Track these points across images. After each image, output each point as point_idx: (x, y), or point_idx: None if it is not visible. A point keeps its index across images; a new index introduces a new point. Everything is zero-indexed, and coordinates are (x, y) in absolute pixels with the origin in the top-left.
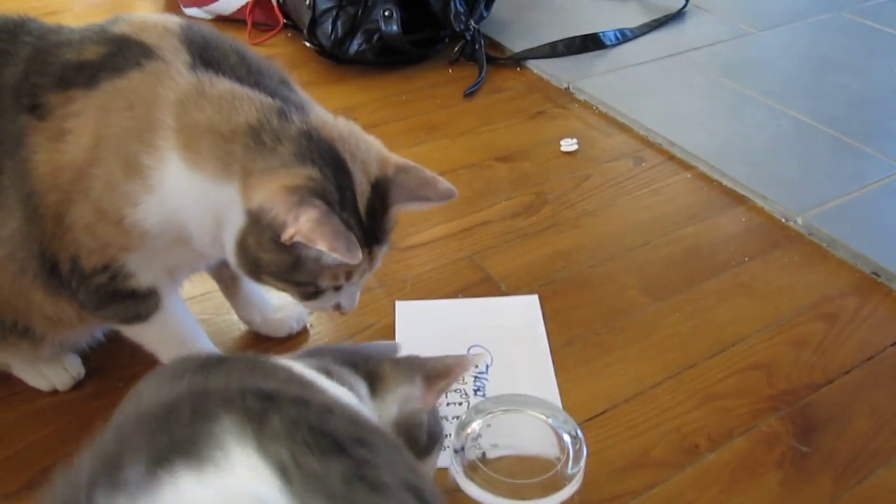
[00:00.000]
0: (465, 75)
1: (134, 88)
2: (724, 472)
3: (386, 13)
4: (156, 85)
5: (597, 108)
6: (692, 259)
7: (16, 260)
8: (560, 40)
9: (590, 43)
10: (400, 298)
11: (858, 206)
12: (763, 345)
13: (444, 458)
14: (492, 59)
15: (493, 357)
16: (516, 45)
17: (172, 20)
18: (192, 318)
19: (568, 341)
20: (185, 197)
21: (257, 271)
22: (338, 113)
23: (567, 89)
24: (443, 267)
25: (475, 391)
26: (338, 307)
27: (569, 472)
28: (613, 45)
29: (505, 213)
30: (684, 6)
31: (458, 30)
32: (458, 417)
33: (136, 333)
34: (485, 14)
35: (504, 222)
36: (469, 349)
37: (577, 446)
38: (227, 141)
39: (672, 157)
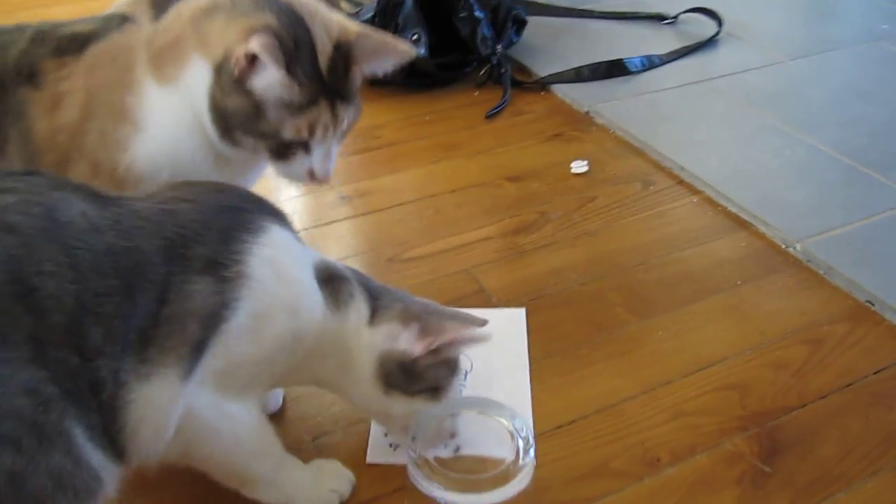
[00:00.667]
0: (490, 98)
1: (114, 45)
2: (682, 486)
3: (414, 37)
4: (129, 38)
5: (613, 132)
6: (684, 281)
7: None
8: (586, 65)
9: (615, 69)
10: None
11: (861, 235)
12: (742, 366)
13: (403, 455)
14: (517, 82)
15: (472, 364)
16: (544, 69)
17: None
18: None
19: (548, 353)
20: (167, 117)
21: (228, 129)
22: (365, 131)
23: (587, 113)
24: (439, 279)
25: None
26: (311, 175)
27: (516, 470)
28: (639, 71)
29: (506, 230)
30: (716, 34)
31: (484, 54)
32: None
33: None
34: (514, 39)
35: (504, 239)
36: None
37: (526, 446)
38: (180, 39)
39: (681, 182)
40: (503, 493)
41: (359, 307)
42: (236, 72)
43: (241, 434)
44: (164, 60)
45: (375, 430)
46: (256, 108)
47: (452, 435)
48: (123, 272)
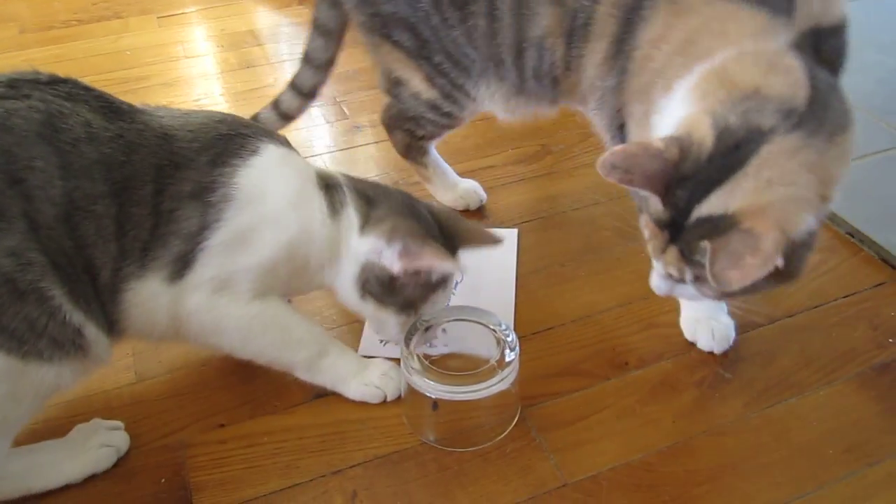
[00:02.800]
0: None
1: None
2: (645, 387)
3: None
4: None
5: None
6: None
7: None
8: None
9: None
10: None
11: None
12: None
13: (397, 352)
14: None
15: (463, 275)
16: None
17: None
18: None
19: (535, 269)
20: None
21: None
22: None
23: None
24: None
25: None
26: None
27: (499, 370)
28: None
29: (509, 160)
30: None
31: None
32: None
33: None
34: None
35: (506, 168)
36: None
37: (511, 347)
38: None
39: None
40: (488, 387)
41: (349, 214)
42: None
43: (254, 329)
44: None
45: (368, 327)
46: None
47: (442, 337)
48: (114, 182)
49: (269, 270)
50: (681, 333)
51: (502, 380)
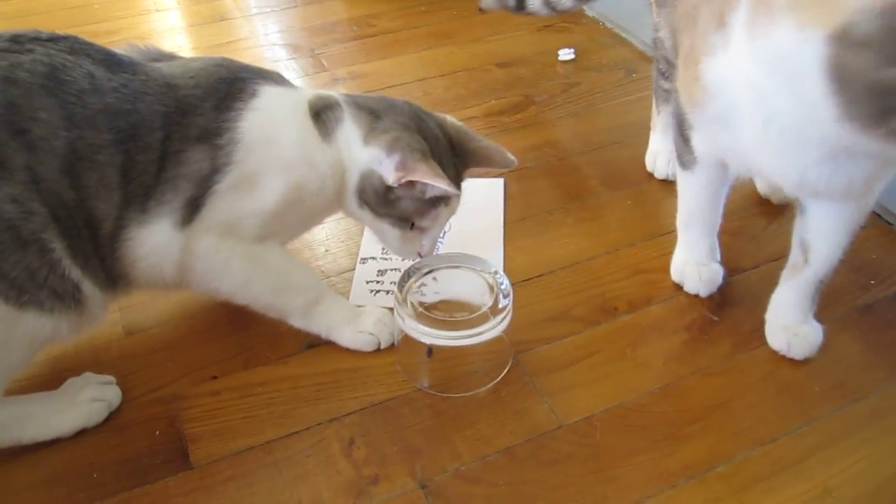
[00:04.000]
0: None
1: None
2: (635, 331)
3: None
4: None
5: (603, 23)
6: None
7: None
8: None
9: None
10: None
11: None
12: None
13: (390, 301)
14: None
15: (451, 224)
16: None
17: None
18: None
19: (522, 217)
20: (749, 66)
21: (886, 111)
22: (361, 19)
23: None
24: None
25: None
26: None
27: (493, 316)
28: None
29: (492, 110)
30: None
31: None
32: None
33: None
34: None
35: (490, 118)
36: None
37: (504, 294)
38: None
39: None
40: (482, 333)
41: (347, 128)
42: None
43: (256, 273)
44: (760, 6)
45: (358, 278)
46: None
47: (434, 285)
48: (119, 130)
49: (276, 213)
50: (668, 279)
51: (496, 326)
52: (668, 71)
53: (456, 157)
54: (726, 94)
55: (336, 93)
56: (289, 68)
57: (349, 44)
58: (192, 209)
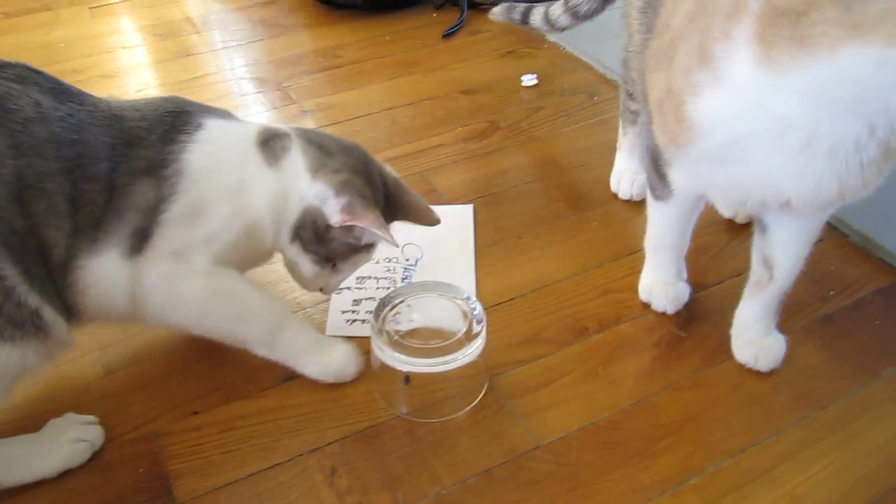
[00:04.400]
0: (448, 19)
1: None
2: (606, 350)
3: None
4: None
5: (563, 48)
6: None
7: None
8: None
9: None
10: None
11: None
12: None
13: (366, 330)
14: (474, 3)
15: (423, 252)
16: None
17: None
18: None
19: (492, 242)
20: (755, 98)
21: None
22: (326, 50)
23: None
24: None
25: (403, 279)
26: None
27: (468, 342)
28: None
29: (459, 137)
30: None
31: None
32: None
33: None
34: None
35: (457, 145)
36: (404, 246)
37: (478, 320)
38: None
39: None
40: (457, 359)
41: (295, 158)
42: None
43: (210, 302)
44: (778, 38)
45: (334, 308)
46: None
47: (410, 313)
48: (66, 159)
49: (226, 240)
50: (636, 298)
51: (471, 351)
52: (635, 93)
53: (387, 208)
54: (726, 132)
55: (288, 126)
56: (256, 101)
57: (316, 75)
58: (140, 239)
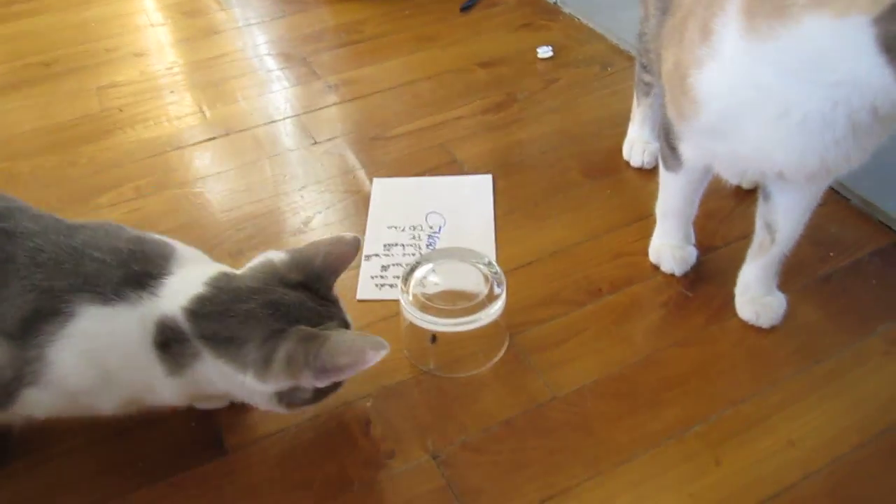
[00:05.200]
0: None
1: None
2: (618, 309)
3: None
4: None
5: (578, 19)
6: None
7: None
8: None
9: None
10: (378, 176)
11: None
12: None
13: (395, 294)
14: None
15: (446, 220)
16: None
17: None
18: None
19: (510, 210)
20: (745, 68)
21: None
22: (348, 26)
23: (555, 3)
24: (417, 152)
25: (427, 246)
26: None
27: (489, 303)
28: None
29: (477, 109)
30: None
31: None
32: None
33: None
34: None
35: (475, 117)
36: (427, 215)
37: (498, 283)
38: None
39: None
40: (480, 319)
41: (212, 366)
42: None
43: None
44: (760, 10)
45: (364, 273)
46: None
47: (435, 276)
48: None
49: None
50: (646, 261)
51: (492, 311)
52: (649, 65)
53: (318, 287)
54: (721, 103)
55: (180, 313)
56: (281, 78)
57: (338, 50)
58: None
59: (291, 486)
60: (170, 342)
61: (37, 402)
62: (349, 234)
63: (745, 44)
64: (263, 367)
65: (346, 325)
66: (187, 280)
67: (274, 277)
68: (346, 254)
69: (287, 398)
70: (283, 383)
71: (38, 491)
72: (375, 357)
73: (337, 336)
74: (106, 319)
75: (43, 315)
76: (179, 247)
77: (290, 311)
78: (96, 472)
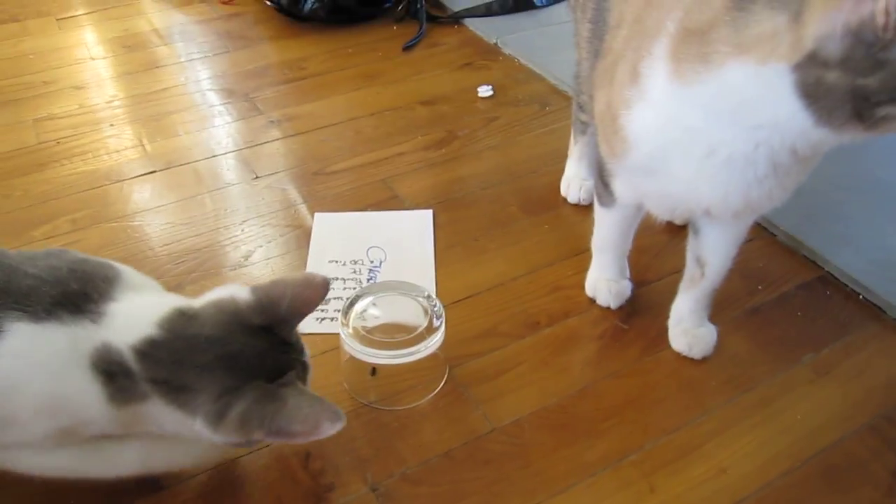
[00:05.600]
0: (408, 32)
1: None
2: (556, 342)
3: None
4: None
5: (518, 60)
6: None
7: None
8: (496, 0)
9: (522, 4)
10: (319, 211)
11: None
12: None
13: (336, 327)
14: (433, 17)
15: (387, 254)
16: (457, 4)
17: None
18: None
19: (451, 244)
20: (674, 112)
21: (857, 110)
22: (291, 62)
23: (495, 44)
24: (359, 188)
25: (368, 279)
26: None
27: (428, 335)
28: (544, 6)
29: (419, 146)
30: None
31: None
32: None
33: None
34: None
35: (416, 153)
36: (368, 249)
37: (437, 315)
38: (710, 35)
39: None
40: (419, 351)
41: (160, 409)
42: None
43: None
44: (686, 55)
45: None
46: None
47: (375, 310)
48: None
49: (55, 439)
50: (582, 294)
51: (431, 344)
52: (585, 104)
53: (280, 330)
54: (650, 143)
55: (128, 351)
56: (223, 113)
57: (281, 87)
58: None
59: None
60: (114, 374)
61: None
62: (319, 276)
63: (672, 87)
64: (216, 420)
65: (305, 370)
66: (136, 314)
67: (235, 321)
68: (313, 298)
69: (235, 443)
70: (234, 438)
71: None
72: (331, 429)
73: (294, 401)
74: (35, 337)
75: None
76: (126, 271)
77: (249, 365)
78: None
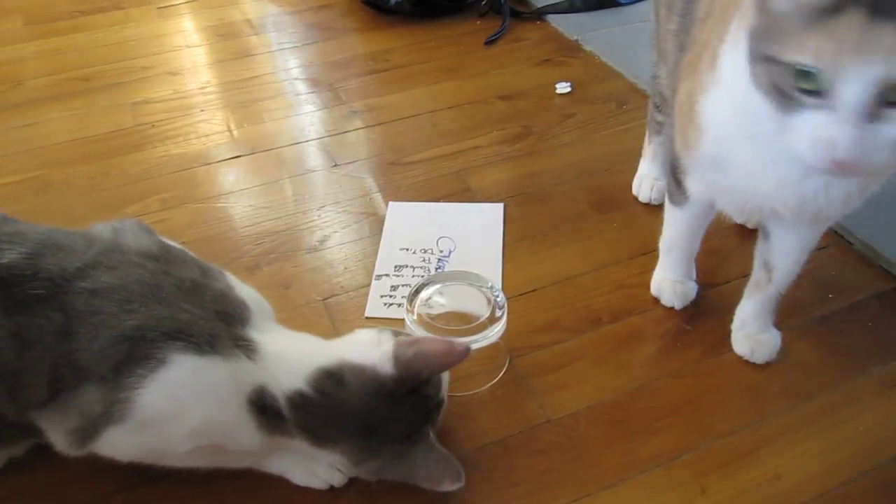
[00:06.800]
0: (490, 27)
1: None
2: (617, 339)
3: None
4: None
5: (598, 57)
6: None
7: None
8: None
9: (605, 1)
10: (393, 200)
11: None
12: None
13: (402, 313)
14: (516, 13)
15: (456, 245)
16: (541, 0)
17: None
18: None
19: (519, 238)
20: (732, 77)
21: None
22: (375, 54)
23: (576, 41)
24: (433, 179)
25: (436, 268)
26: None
27: (490, 325)
28: (628, 4)
29: (494, 140)
30: None
31: None
32: None
33: None
34: None
35: (492, 147)
36: (438, 239)
37: (500, 306)
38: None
39: None
40: (481, 340)
41: (301, 442)
42: None
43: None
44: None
45: (374, 291)
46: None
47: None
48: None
49: (190, 453)
50: (648, 293)
51: (493, 334)
52: (662, 105)
53: (421, 388)
54: (719, 127)
55: (282, 398)
56: (309, 101)
57: (365, 78)
58: (86, 434)
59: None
60: (267, 410)
61: (116, 443)
62: (461, 346)
63: (730, 62)
64: (354, 465)
65: (439, 409)
66: (286, 362)
67: (378, 394)
68: (454, 364)
69: None
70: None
71: None
72: (451, 488)
73: (422, 460)
74: (199, 370)
75: (136, 360)
76: (252, 304)
77: (387, 431)
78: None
